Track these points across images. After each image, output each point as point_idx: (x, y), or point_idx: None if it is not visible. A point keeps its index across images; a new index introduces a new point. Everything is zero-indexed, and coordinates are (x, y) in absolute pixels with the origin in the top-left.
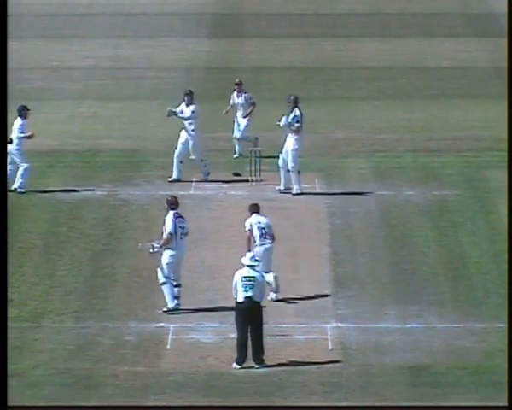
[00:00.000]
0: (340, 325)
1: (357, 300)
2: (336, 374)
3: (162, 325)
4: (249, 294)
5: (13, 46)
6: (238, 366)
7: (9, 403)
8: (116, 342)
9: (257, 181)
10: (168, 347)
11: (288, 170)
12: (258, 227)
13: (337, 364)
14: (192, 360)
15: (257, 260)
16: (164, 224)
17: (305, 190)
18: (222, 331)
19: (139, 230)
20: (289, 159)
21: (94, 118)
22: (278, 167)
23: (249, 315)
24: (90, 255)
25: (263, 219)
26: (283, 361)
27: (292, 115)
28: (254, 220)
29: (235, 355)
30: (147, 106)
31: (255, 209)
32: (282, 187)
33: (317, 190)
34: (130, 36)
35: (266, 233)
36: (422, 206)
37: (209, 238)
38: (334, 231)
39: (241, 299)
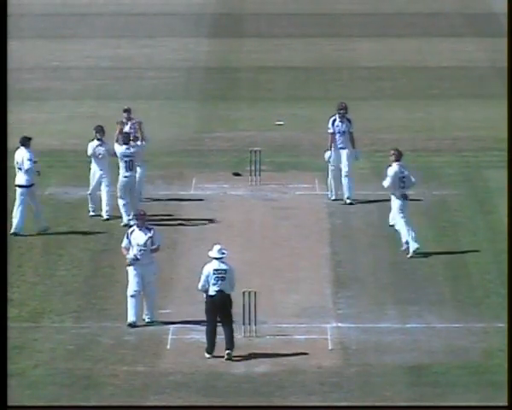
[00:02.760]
0: (340, 324)
1: (357, 300)
2: (336, 374)
3: (162, 325)
4: (221, 287)
5: (13, 46)
6: (208, 355)
7: (9, 403)
8: (116, 342)
9: (256, 181)
10: (168, 347)
11: (343, 176)
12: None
13: (337, 364)
14: (192, 360)
15: (224, 253)
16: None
17: (305, 191)
18: (222, 331)
19: None
20: (347, 164)
21: (94, 118)
22: (328, 176)
23: (220, 307)
24: (90, 255)
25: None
26: (283, 361)
27: (348, 123)
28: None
29: (235, 354)
30: (147, 106)
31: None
32: (349, 199)
33: (317, 190)
34: (130, 36)
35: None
36: (422, 206)
37: (209, 238)
38: (334, 231)
39: (212, 292)
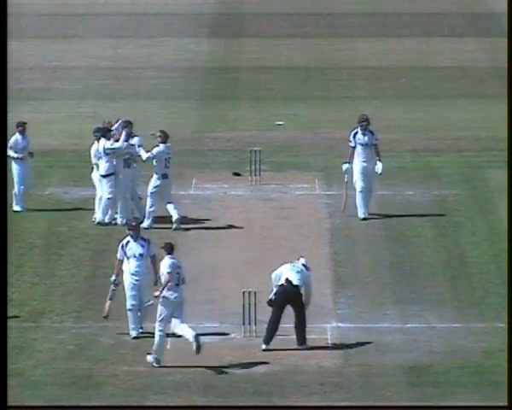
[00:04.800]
0: (340, 324)
1: (357, 300)
2: (336, 374)
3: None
4: (291, 278)
5: (13, 46)
6: (264, 346)
7: (9, 403)
8: (116, 342)
9: (256, 181)
10: (168, 347)
11: (364, 192)
12: None
13: (337, 364)
14: (192, 360)
15: (303, 267)
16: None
17: (305, 191)
18: (222, 331)
19: None
20: (369, 179)
21: (94, 118)
22: (356, 193)
23: (288, 298)
24: (90, 255)
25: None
26: (283, 361)
27: (371, 135)
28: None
29: (235, 354)
30: (147, 106)
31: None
32: (364, 214)
33: (317, 190)
34: (130, 36)
35: None
36: (422, 206)
37: (209, 238)
38: (334, 231)
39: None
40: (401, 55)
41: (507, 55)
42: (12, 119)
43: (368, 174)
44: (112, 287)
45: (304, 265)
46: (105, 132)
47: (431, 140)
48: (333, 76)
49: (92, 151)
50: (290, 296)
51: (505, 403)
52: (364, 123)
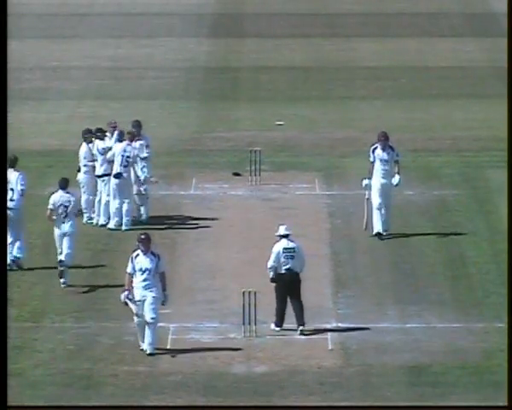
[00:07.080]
0: (340, 325)
1: (357, 300)
2: (336, 374)
3: (162, 324)
4: (290, 266)
5: (13, 46)
6: (278, 328)
7: (9, 403)
8: (116, 342)
9: (256, 181)
10: (168, 347)
11: (381, 208)
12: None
13: (337, 364)
14: (192, 360)
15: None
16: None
17: (305, 191)
18: (222, 331)
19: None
20: (389, 195)
21: (94, 118)
22: (371, 208)
23: (290, 286)
24: (90, 255)
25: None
26: (283, 361)
27: (391, 151)
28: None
29: (235, 354)
30: (147, 106)
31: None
32: (379, 230)
33: (317, 190)
34: (130, 36)
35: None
36: (422, 206)
37: (209, 238)
38: (334, 231)
39: (282, 271)
40: (401, 55)
41: (507, 55)
42: (12, 119)
43: (386, 190)
44: (129, 303)
45: (286, 235)
46: (99, 133)
47: (431, 140)
48: (333, 76)
49: (81, 153)
50: (293, 284)
51: (505, 403)
52: (383, 139)
